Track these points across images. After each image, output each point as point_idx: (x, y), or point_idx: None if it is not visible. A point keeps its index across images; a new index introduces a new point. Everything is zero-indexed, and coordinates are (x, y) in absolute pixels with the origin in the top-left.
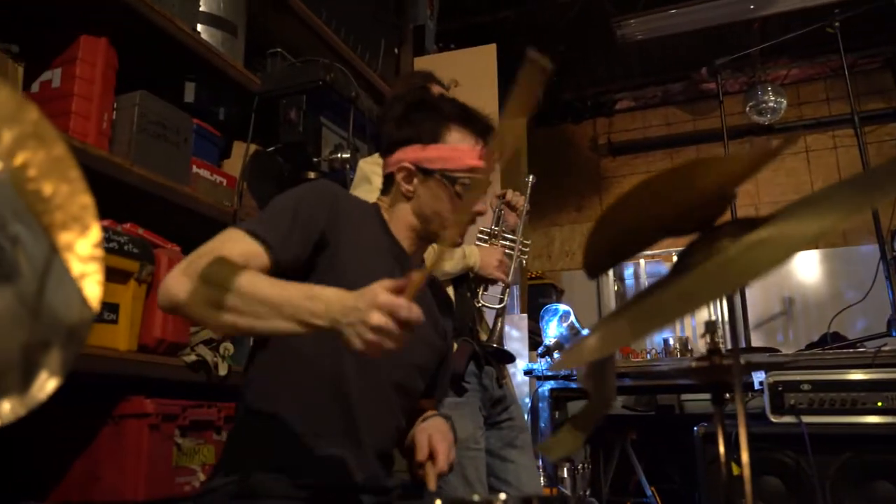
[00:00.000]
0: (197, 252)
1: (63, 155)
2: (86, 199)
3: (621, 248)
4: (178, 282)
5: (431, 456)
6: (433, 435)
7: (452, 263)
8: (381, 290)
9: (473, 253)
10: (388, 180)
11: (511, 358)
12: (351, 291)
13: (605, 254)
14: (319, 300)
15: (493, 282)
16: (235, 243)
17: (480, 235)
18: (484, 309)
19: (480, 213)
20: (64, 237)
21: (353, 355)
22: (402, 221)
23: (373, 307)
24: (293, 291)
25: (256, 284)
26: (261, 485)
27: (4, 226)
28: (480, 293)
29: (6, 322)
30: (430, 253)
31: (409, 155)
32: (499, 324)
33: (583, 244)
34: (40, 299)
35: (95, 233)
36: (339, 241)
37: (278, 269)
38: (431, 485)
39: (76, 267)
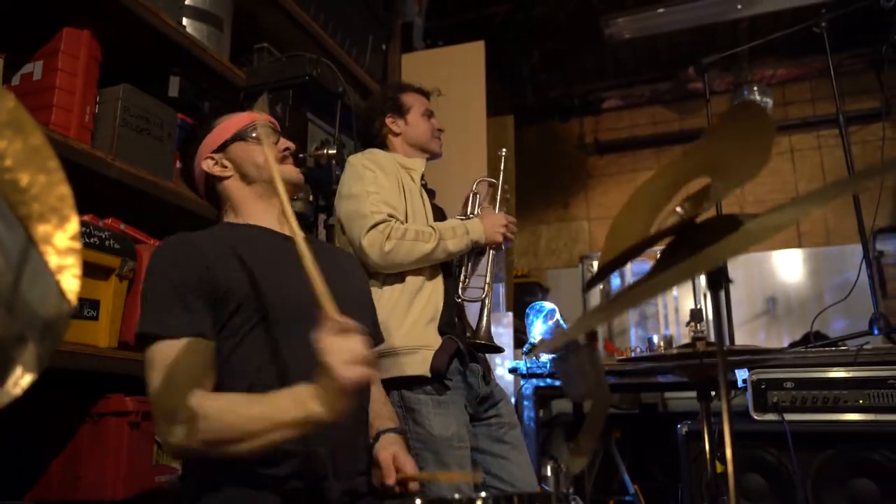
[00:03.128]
0: (157, 389)
1: (41, 144)
2: (64, 190)
3: (619, 259)
4: (170, 432)
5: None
6: (398, 453)
7: (455, 242)
8: (333, 349)
9: (475, 227)
10: (210, 190)
11: (498, 349)
12: (302, 386)
13: (606, 269)
14: (290, 398)
15: (498, 248)
16: (179, 356)
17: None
18: (466, 305)
19: (289, 148)
20: (41, 229)
21: (306, 334)
22: (242, 200)
23: (344, 373)
24: (273, 400)
25: (242, 410)
26: (224, 476)
27: None
28: (462, 285)
29: None
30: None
31: (202, 153)
32: (484, 316)
33: (571, 244)
34: (15, 293)
35: (74, 225)
36: (220, 276)
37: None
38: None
39: (53, 260)
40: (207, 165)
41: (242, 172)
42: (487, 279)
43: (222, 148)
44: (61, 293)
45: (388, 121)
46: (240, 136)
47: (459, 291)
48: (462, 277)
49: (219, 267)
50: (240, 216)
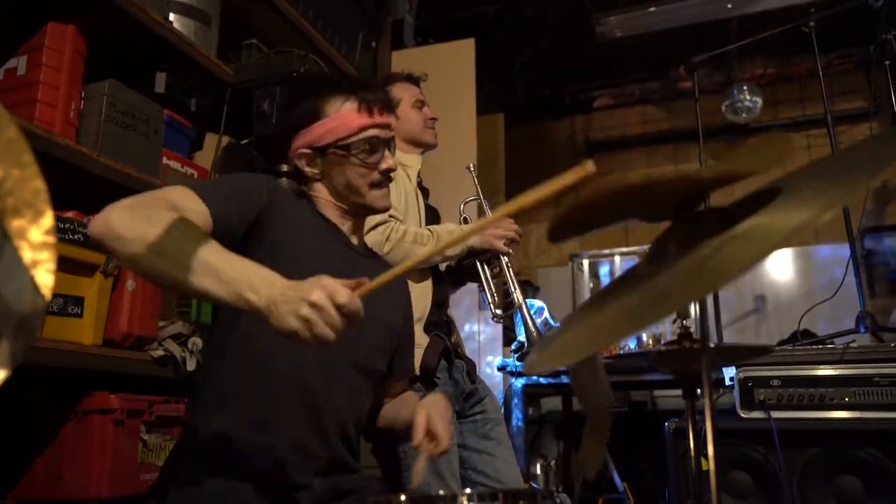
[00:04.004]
0: (146, 193)
1: (15, 138)
2: (38, 185)
3: (588, 220)
4: (122, 215)
5: (430, 436)
6: (432, 414)
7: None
8: (326, 277)
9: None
10: (297, 172)
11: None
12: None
13: (572, 224)
14: (264, 277)
15: (495, 259)
16: (186, 198)
17: None
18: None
19: (391, 170)
20: (15, 223)
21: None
22: (324, 204)
23: (314, 287)
24: (240, 261)
25: (207, 245)
26: (208, 470)
27: None
28: (490, 302)
29: None
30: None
31: (301, 141)
32: (530, 325)
33: (561, 242)
34: None
35: (48, 219)
36: (274, 223)
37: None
38: (419, 467)
39: (28, 255)
40: (302, 164)
41: (332, 184)
42: (513, 288)
43: (321, 149)
44: (36, 288)
45: None
46: (343, 148)
47: (491, 309)
48: (488, 296)
49: (274, 211)
50: (322, 208)
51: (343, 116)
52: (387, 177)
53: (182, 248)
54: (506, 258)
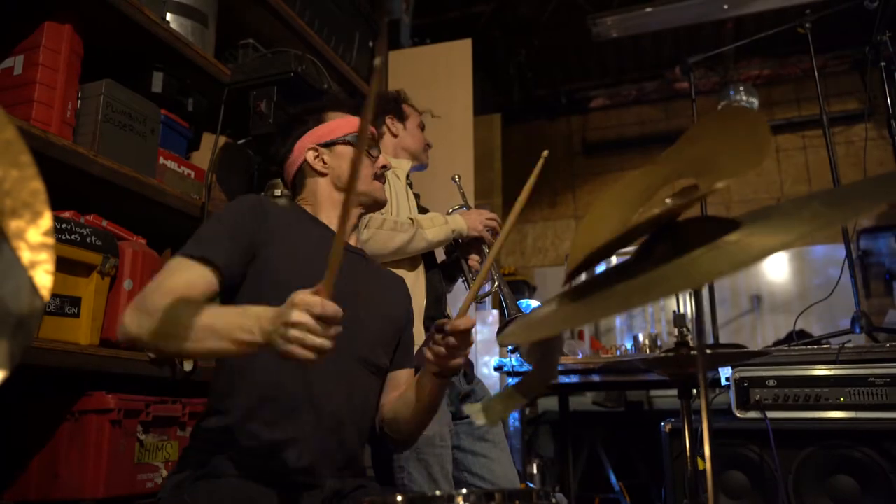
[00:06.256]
0: (148, 287)
1: (12, 139)
2: (37, 185)
3: (597, 254)
4: (132, 318)
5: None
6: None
7: (435, 231)
8: (299, 292)
9: (455, 218)
10: (299, 176)
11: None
12: (258, 310)
13: (584, 263)
14: (250, 315)
15: (480, 245)
16: (182, 273)
17: None
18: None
19: (386, 167)
20: (14, 224)
21: None
22: (326, 202)
23: (290, 308)
24: (227, 311)
25: (198, 313)
26: (223, 465)
27: None
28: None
29: None
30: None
31: (307, 141)
32: (507, 298)
33: (558, 242)
34: None
35: (47, 220)
36: (269, 244)
37: (229, 283)
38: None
39: (26, 255)
40: (310, 156)
41: (337, 175)
42: (493, 273)
43: (329, 144)
44: (34, 289)
45: (389, 121)
46: (349, 141)
47: (468, 276)
48: (469, 281)
49: (266, 232)
50: (316, 213)
51: (346, 119)
52: (383, 173)
53: (177, 326)
54: (486, 246)
